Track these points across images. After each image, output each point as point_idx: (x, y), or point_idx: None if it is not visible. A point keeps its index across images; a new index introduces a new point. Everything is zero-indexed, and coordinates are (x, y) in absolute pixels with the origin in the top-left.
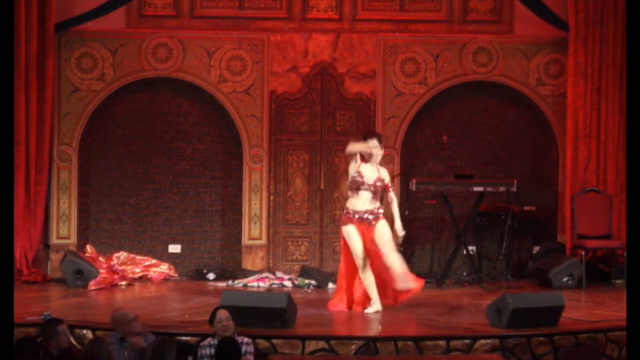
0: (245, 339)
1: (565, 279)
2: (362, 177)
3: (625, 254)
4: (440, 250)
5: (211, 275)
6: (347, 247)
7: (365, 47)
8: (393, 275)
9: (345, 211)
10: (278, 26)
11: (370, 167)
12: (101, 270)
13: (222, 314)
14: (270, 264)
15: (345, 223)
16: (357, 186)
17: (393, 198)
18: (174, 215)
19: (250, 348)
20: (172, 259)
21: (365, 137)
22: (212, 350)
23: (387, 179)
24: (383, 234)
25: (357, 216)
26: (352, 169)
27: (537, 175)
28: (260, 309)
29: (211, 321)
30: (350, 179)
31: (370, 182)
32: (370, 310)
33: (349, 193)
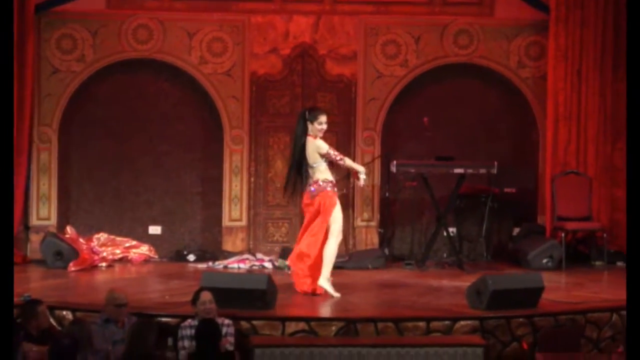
0: (226, 321)
1: (544, 261)
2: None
3: (604, 235)
4: (421, 232)
5: (191, 257)
6: (324, 220)
7: (346, 28)
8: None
9: (331, 184)
10: (259, 8)
11: None
12: (81, 252)
13: (206, 296)
14: (251, 246)
15: (332, 196)
16: (333, 160)
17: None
18: (154, 196)
19: (231, 330)
20: (152, 240)
21: (316, 115)
22: (193, 331)
23: None
24: None
25: (336, 188)
26: (324, 145)
27: (517, 157)
28: (240, 291)
29: (194, 302)
30: (329, 154)
31: None
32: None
33: (326, 167)
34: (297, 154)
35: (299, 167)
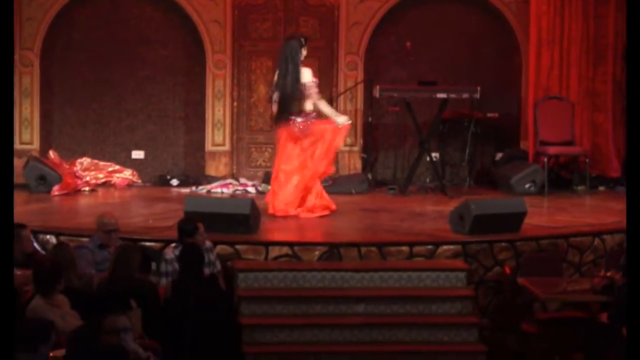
0: (208, 243)
1: (527, 186)
2: None
3: (587, 160)
4: (404, 157)
5: (175, 182)
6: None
7: None
8: None
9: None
10: None
11: None
12: (64, 176)
13: (202, 227)
14: (234, 171)
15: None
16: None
17: None
18: (137, 121)
19: (214, 255)
20: (135, 165)
21: (306, 42)
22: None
23: None
24: None
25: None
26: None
27: (500, 82)
28: (223, 215)
29: (191, 233)
30: (316, 86)
31: None
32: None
33: (318, 97)
34: (295, 80)
35: (296, 94)
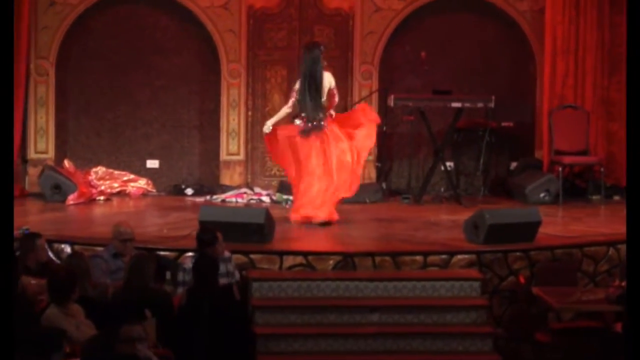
0: (227, 253)
1: (542, 195)
2: None
3: (602, 169)
4: (418, 166)
5: (189, 191)
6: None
7: None
8: None
9: None
10: None
11: None
12: (79, 185)
13: (221, 236)
14: (249, 180)
15: None
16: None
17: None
18: (152, 130)
19: (232, 265)
20: (150, 174)
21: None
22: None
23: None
24: None
25: None
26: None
27: (515, 91)
28: (238, 225)
29: (211, 242)
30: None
31: None
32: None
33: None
34: (318, 87)
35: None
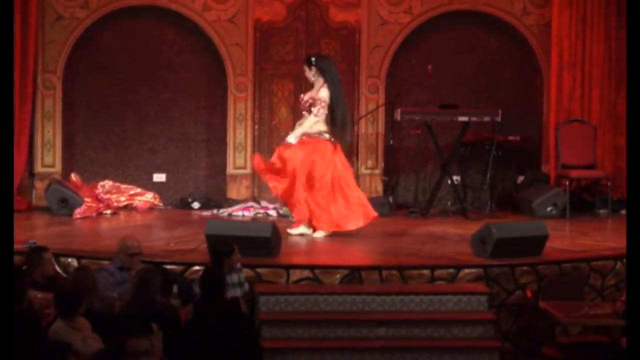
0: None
1: (549, 209)
2: (300, 99)
3: (609, 183)
4: (425, 180)
5: (196, 204)
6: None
7: None
8: None
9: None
10: None
11: (312, 89)
12: (86, 199)
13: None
14: (255, 193)
15: None
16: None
17: (309, 115)
18: (158, 144)
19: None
20: (157, 188)
21: None
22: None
23: (316, 96)
24: None
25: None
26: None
27: (521, 105)
28: (245, 238)
29: (229, 254)
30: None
31: (303, 102)
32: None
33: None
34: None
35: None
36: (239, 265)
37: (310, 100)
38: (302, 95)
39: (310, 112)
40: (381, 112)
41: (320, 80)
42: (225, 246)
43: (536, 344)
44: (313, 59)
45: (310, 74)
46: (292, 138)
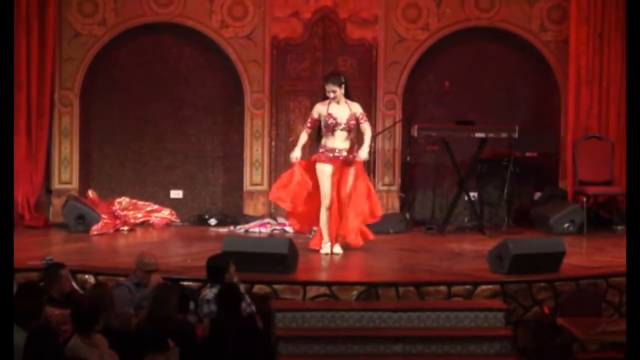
0: (236, 279)
1: (566, 225)
2: (334, 118)
3: (626, 200)
4: (442, 196)
5: (213, 221)
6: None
7: None
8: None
9: (321, 149)
10: None
11: (338, 107)
12: (103, 216)
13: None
14: (272, 210)
15: (321, 161)
16: (332, 128)
17: (366, 128)
18: (175, 160)
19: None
20: (173, 204)
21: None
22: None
23: (358, 111)
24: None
25: (331, 154)
26: (316, 112)
27: (539, 121)
28: (261, 255)
29: (225, 270)
30: (322, 122)
31: (344, 121)
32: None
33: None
34: None
35: None
36: (236, 279)
37: (353, 121)
38: (329, 113)
39: (350, 130)
40: (398, 128)
41: (343, 97)
42: (223, 261)
43: None
44: (343, 77)
45: (340, 91)
46: (364, 154)
